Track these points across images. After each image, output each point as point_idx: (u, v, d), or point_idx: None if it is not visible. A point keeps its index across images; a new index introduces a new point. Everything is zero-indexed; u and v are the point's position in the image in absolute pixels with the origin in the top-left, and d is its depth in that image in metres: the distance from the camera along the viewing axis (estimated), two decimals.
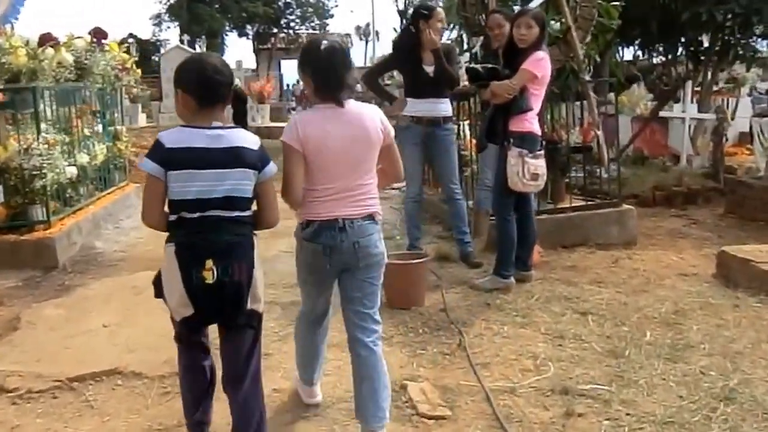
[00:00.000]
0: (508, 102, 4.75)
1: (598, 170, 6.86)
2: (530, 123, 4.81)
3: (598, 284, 5.11)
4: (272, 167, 2.70)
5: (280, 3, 38.27)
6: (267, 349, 3.77)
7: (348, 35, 42.94)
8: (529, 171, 4.72)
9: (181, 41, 29.82)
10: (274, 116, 22.77)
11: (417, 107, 5.68)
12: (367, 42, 50.31)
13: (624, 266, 5.60)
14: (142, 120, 21.37)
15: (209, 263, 2.53)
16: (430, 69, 5.55)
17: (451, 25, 9.03)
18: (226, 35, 39.07)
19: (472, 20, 6.89)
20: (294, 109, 35.65)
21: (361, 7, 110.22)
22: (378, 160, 2.97)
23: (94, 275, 5.97)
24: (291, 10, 39.43)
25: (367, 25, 51.01)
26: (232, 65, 23.35)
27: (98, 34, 7.12)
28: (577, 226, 6.27)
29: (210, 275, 2.53)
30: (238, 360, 2.75)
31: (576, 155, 6.82)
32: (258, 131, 20.63)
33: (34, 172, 6.11)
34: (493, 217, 6.15)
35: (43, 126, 6.35)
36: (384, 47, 68.30)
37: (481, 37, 6.70)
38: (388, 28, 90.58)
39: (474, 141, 6.99)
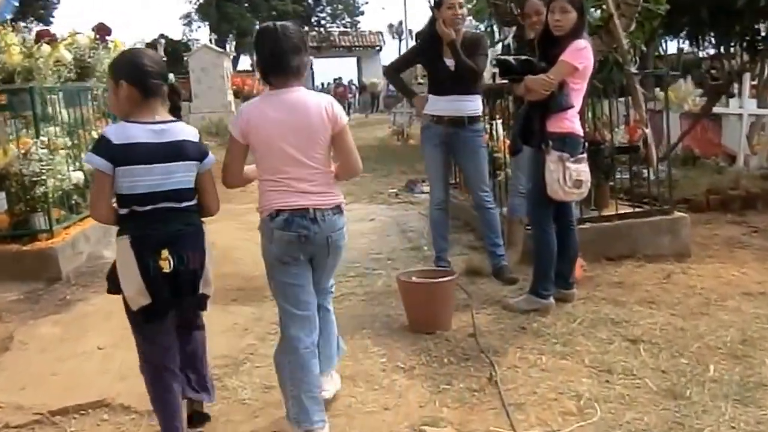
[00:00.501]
0: (545, 99, 4.18)
1: (645, 172, 6.23)
2: (571, 122, 4.24)
3: (649, 305, 4.51)
4: (211, 158, 2.83)
5: (309, 1, 37.95)
6: None
7: (380, 33, 42.51)
8: (570, 177, 4.16)
9: (211, 41, 29.62)
10: None
11: (437, 105, 5.16)
12: (400, 40, 49.67)
13: (678, 283, 4.97)
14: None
15: (165, 253, 2.63)
16: (451, 62, 5.01)
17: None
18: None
19: (504, 8, 6.27)
20: None
21: (393, 3, 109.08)
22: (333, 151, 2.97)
23: (98, 288, 5.53)
24: (321, 7, 39.13)
25: (400, 23, 50.39)
26: (249, 63, 23.18)
27: (102, 30, 6.70)
28: (623, 235, 5.68)
29: (167, 264, 2.63)
30: (186, 336, 2.97)
31: (621, 156, 6.20)
32: None
33: (34, 179, 5.73)
34: (529, 227, 5.63)
35: (50, 129, 5.96)
36: None
37: (514, 28, 6.13)
38: (422, 25, 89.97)
39: (507, 142, 6.44)
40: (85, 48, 6.59)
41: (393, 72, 5.54)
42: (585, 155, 4.32)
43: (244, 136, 2.87)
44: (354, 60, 41.31)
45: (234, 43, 28.66)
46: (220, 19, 31.23)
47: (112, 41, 7.02)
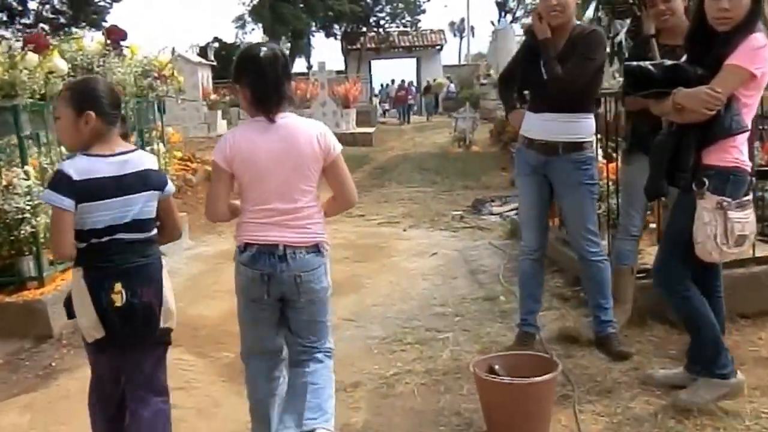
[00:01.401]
0: (706, 121, 2.85)
1: None
2: (739, 152, 2.91)
3: None
4: (171, 186, 2.74)
5: (368, 0, 36.76)
6: None
7: (441, 31, 41.07)
8: (732, 232, 2.81)
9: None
10: (360, 120, 21.27)
11: (530, 124, 3.89)
12: (461, 39, 48.15)
13: None
14: (222, 127, 20.19)
15: (118, 286, 2.55)
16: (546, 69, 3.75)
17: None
18: (312, 36, 37.95)
19: None
20: (387, 111, 34.14)
21: (455, 0, 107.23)
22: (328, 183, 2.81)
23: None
24: (380, 7, 37.85)
25: (462, 20, 48.78)
26: (315, 66, 22.32)
27: (114, 34, 5.57)
28: (764, 285, 4.31)
29: (119, 298, 2.54)
30: (143, 375, 2.72)
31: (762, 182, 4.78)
32: (341, 138, 19.23)
33: (19, 216, 4.66)
34: (641, 276, 4.30)
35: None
36: (479, 44, 66.04)
37: (628, 20, 4.77)
38: (486, 23, 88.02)
39: (605, 162, 5.09)
40: (93, 55, 5.48)
41: (506, 82, 4.22)
42: (750, 197, 2.96)
43: (228, 163, 2.69)
44: (413, 60, 40.01)
45: (288, 44, 27.71)
46: (274, 20, 30.31)
47: (127, 47, 5.91)
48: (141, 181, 2.60)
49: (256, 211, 2.70)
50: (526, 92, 4.10)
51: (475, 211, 8.40)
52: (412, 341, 4.24)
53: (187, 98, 19.12)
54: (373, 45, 37.85)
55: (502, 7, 41.20)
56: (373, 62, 38.92)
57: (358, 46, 37.43)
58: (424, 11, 38.94)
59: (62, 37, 5.77)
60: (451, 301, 4.97)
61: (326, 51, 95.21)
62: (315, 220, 2.75)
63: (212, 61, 21.86)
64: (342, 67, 36.75)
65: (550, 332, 4.20)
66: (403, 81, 33.79)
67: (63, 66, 4.79)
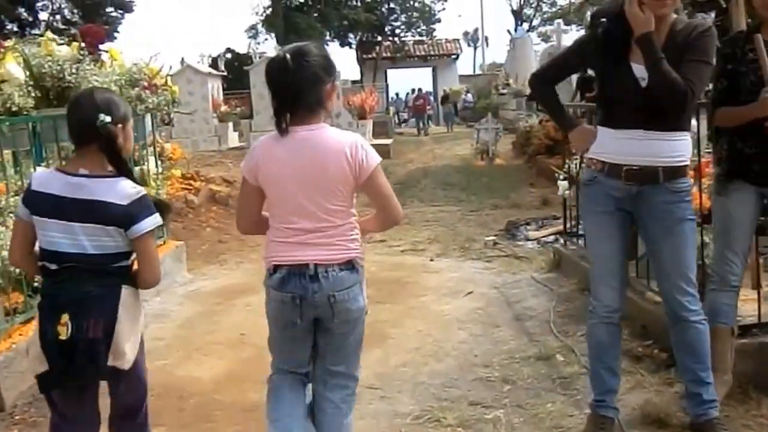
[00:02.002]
0: None
1: None
2: None
3: None
4: (143, 225, 2.42)
5: (383, 9, 35.92)
6: None
7: (457, 41, 40.19)
8: None
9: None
10: (377, 132, 20.40)
11: (611, 145, 2.96)
12: (475, 48, 47.19)
13: None
14: (233, 140, 19.44)
15: (64, 317, 2.35)
16: (642, 72, 2.83)
17: None
18: (327, 45, 37.09)
19: None
20: (405, 121, 33.21)
21: (470, 9, 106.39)
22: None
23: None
24: (395, 16, 37.02)
25: (476, 30, 47.83)
26: None
27: (89, 35, 4.70)
28: None
29: (64, 331, 2.35)
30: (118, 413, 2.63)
31: None
32: None
33: None
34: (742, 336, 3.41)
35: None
36: (494, 54, 64.96)
37: (712, 13, 3.86)
38: (501, 32, 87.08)
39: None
40: (65, 61, 4.62)
41: (542, 82, 3.23)
42: None
43: (252, 175, 2.51)
44: (429, 70, 39.16)
45: None
46: (288, 30, 29.49)
47: (106, 51, 5.04)
48: (88, 211, 2.38)
49: (282, 230, 2.50)
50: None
51: (509, 236, 7.48)
52: (454, 422, 3.31)
53: (183, 110, 18.48)
54: (389, 54, 37.06)
55: (519, 15, 40.22)
56: (389, 71, 38.11)
57: (374, 55, 36.63)
58: (439, 20, 38.12)
59: (24, 39, 4.90)
60: (497, 360, 4.03)
61: (341, 61, 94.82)
62: (348, 236, 2.52)
63: (223, 71, 21.07)
64: (357, 77, 35.95)
65: (629, 409, 3.28)
66: (420, 90, 32.72)
67: (18, 73, 3.93)
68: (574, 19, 27.78)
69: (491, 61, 41.66)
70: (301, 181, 2.43)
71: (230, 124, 19.59)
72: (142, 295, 2.60)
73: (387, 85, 36.25)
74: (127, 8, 34.22)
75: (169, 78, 6.09)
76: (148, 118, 6.02)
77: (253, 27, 34.38)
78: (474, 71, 41.86)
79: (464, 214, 9.00)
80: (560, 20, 22.75)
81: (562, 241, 6.30)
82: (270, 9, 31.89)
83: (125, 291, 2.46)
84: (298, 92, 2.40)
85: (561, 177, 5.95)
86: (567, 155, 6.15)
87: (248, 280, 5.91)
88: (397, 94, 36.94)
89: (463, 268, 6.22)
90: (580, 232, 5.83)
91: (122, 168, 2.45)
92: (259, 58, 19.67)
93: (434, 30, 37.92)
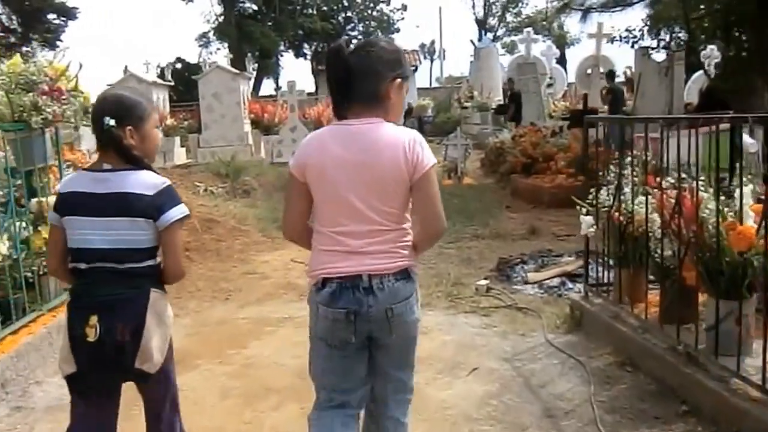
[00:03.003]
0: None
1: None
2: None
3: None
4: (172, 214, 2.41)
5: (340, 18, 34.76)
6: None
7: (416, 51, 39.20)
8: None
9: (235, 65, 26.48)
10: None
11: None
12: (432, 61, 46.28)
13: None
14: (180, 156, 17.96)
15: (93, 319, 2.36)
16: None
17: None
18: (281, 55, 35.83)
19: None
20: None
21: (427, 20, 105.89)
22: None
23: None
24: (352, 25, 35.93)
25: (432, 42, 46.91)
26: (284, 86, 20.16)
27: None
28: None
29: (92, 333, 2.35)
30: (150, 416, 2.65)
31: None
32: None
33: None
34: None
35: None
36: (450, 67, 64.10)
37: None
38: (457, 45, 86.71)
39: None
40: None
41: None
42: None
43: (300, 171, 2.35)
44: None
45: (255, 64, 25.50)
46: (241, 39, 28.10)
47: None
48: (117, 204, 2.37)
49: (330, 237, 2.34)
50: None
51: (503, 277, 6.28)
52: None
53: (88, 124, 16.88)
54: None
55: (483, 25, 39.41)
56: None
57: None
58: (398, 30, 37.23)
59: None
60: None
61: (296, 72, 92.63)
62: (402, 243, 2.35)
63: (170, 81, 19.57)
64: (313, 89, 34.67)
65: None
66: None
67: None
68: (541, 30, 26.99)
69: (447, 74, 40.88)
70: (353, 179, 2.28)
71: (177, 139, 18.12)
72: None
73: None
74: (70, 15, 32.47)
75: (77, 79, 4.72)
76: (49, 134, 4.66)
77: (204, 35, 32.84)
78: (431, 85, 40.99)
79: (442, 247, 7.76)
80: (530, 29, 21.84)
81: (581, 291, 5.10)
82: (222, 17, 30.37)
83: (154, 294, 2.44)
84: (350, 82, 2.30)
85: (584, 210, 4.75)
86: (591, 178, 4.96)
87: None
88: None
89: (456, 327, 4.98)
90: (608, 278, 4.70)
91: (140, 164, 2.41)
92: (209, 67, 18.21)
93: (393, 40, 36.84)
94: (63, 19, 32.22)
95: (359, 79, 2.29)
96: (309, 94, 29.29)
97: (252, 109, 17.93)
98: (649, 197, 4.14)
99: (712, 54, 20.25)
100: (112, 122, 2.40)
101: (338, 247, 2.30)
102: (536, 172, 12.06)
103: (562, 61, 29.56)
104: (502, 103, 21.39)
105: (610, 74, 19.03)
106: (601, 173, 4.75)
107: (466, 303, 5.55)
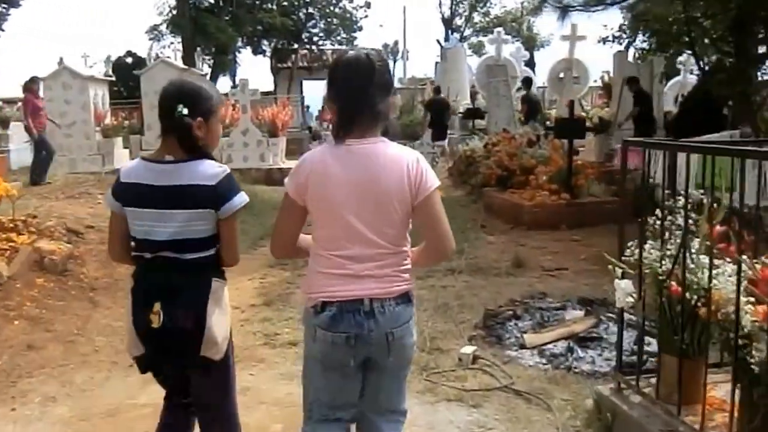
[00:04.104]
0: None
1: None
2: None
3: None
4: (234, 203, 2.45)
5: (300, 14, 33.13)
6: None
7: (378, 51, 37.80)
8: None
9: (184, 60, 24.76)
10: (291, 150, 17.55)
11: None
12: (395, 61, 44.85)
13: None
14: (121, 159, 16.27)
15: (157, 306, 2.41)
16: None
17: None
18: (239, 52, 34.05)
19: None
20: (320, 138, 29.72)
21: (390, 20, 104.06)
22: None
23: None
24: (314, 22, 34.26)
25: (396, 42, 45.45)
26: (229, 85, 18.43)
27: None
28: None
29: (156, 319, 2.41)
30: (200, 406, 2.67)
31: None
32: (268, 175, 15.84)
33: None
34: None
35: None
36: (416, 68, 62.63)
37: None
38: (420, 46, 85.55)
39: None
40: None
41: None
42: None
43: (299, 192, 2.30)
44: None
45: (203, 57, 23.81)
46: (196, 33, 26.35)
47: None
48: (179, 196, 2.41)
49: (330, 259, 2.29)
50: None
51: (493, 338, 4.91)
52: None
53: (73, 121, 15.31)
54: (305, 64, 34.28)
55: (449, 25, 38.06)
56: (305, 82, 35.29)
57: (289, 64, 33.76)
58: (361, 28, 35.51)
59: None
60: None
61: (254, 69, 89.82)
62: (402, 266, 2.33)
63: (110, 76, 17.85)
64: (271, 87, 33.06)
65: None
66: None
67: None
68: (510, 31, 25.80)
69: (410, 75, 39.53)
70: (356, 200, 2.25)
71: (119, 140, 16.45)
72: None
73: (303, 98, 33.35)
74: (13, 2, 30.39)
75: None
76: None
77: (155, 28, 30.82)
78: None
79: None
80: (500, 29, 20.62)
81: (612, 381, 3.69)
82: (176, 9, 28.54)
83: (215, 283, 2.49)
84: (369, 99, 2.24)
85: (619, 272, 3.34)
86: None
87: None
88: (308, 107, 33.14)
89: (437, 427, 3.59)
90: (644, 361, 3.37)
91: (202, 155, 2.44)
92: (154, 60, 16.56)
93: (356, 39, 35.25)
94: (4, 6, 30.22)
95: (377, 95, 2.25)
96: (265, 93, 27.68)
97: None
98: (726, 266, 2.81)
99: (688, 60, 19.34)
100: (186, 111, 2.41)
101: (340, 270, 2.28)
102: (513, 186, 10.76)
103: (530, 64, 28.48)
104: (470, 107, 20.16)
105: (526, 82, 18.09)
106: (641, 218, 3.38)
107: (447, 382, 4.15)
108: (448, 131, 17.84)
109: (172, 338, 2.41)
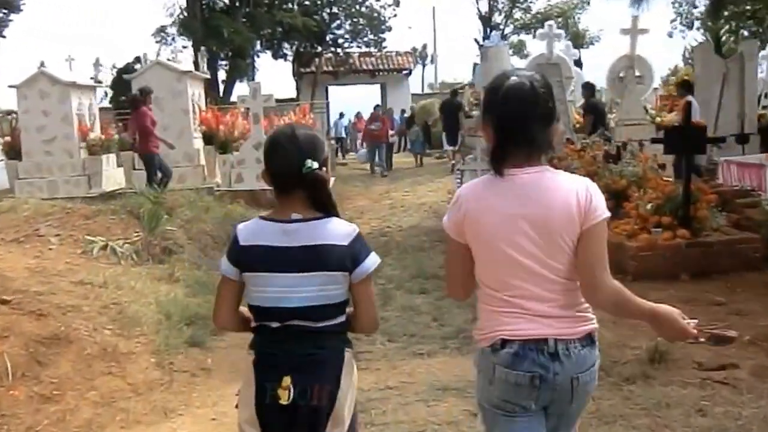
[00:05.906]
0: None
1: None
2: None
3: None
4: (368, 264, 2.30)
5: (324, 14, 30.66)
6: None
7: (409, 53, 35.29)
8: None
9: (196, 65, 22.46)
10: None
11: None
12: (424, 66, 42.32)
13: None
14: (112, 180, 13.87)
15: (287, 381, 2.25)
16: None
17: None
18: (257, 56, 31.66)
19: None
20: (348, 151, 26.39)
21: (421, 21, 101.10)
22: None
23: None
24: (339, 23, 31.78)
25: (425, 46, 42.87)
26: (246, 91, 15.94)
27: None
28: None
29: (285, 395, 2.24)
30: None
31: None
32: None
33: None
34: None
35: None
36: (446, 72, 60.14)
37: None
38: (452, 50, 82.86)
39: None
40: None
41: None
42: None
43: (458, 228, 2.21)
44: (377, 87, 33.99)
45: (207, 59, 21.44)
46: (207, 35, 24.00)
47: None
48: (315, 258, 2.25)
49: (500, 298, 2.16)
50: None
51: None
52: None
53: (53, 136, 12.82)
54: (331, 68, 31.89)
55: (488, 22, 35.34)
56: (330, 88, 32.89)
57: (313, 68, 31.36)
58: (389, 29, 32.92)
59: None
60: None
61: (274, 75, 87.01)
62: (583, 303, 2.18)
63: (100, 82, 15.46)
64: (293, 94, 30.70)
65: None
66: (377, 107, 21.83)
67: None
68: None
69: (441, 80, 37.06)
70: (524, 235, 2.11)
71: (110, 158, 14.05)
72: None
73: (328, 104, 30.88)
74: (13, 8, 28.71)
75: None
76: None
77: (162, 29, 28.50)
78: (422, 91, 37.17)
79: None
80: (551, 22, 17.95)
81: None
82: (186, 10, 26.28)
83: (347, 354, 2.36)
84: (528, 131, 2.12)
85: None
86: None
87: None
88: (341, 114, 30.20)
89: None
90: None
91: (332, 210, 2.30)
92: (146, 63, 14.13)
93: (384, 40, 32.68)
94: (5, 11, 28.61)
95: (541, 124, 2.13)
96: (285, 100, 25.18)
97: (202, 119, 13.79)
98: None
99: None
100: (315, 165, 2.26)
101: (516, 310, 2.14)
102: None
103: (578, 63, 25.84)
104: None
105: (588, 87, 15.49)
106: None
107: None
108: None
109: (302, 415, 2.25)
